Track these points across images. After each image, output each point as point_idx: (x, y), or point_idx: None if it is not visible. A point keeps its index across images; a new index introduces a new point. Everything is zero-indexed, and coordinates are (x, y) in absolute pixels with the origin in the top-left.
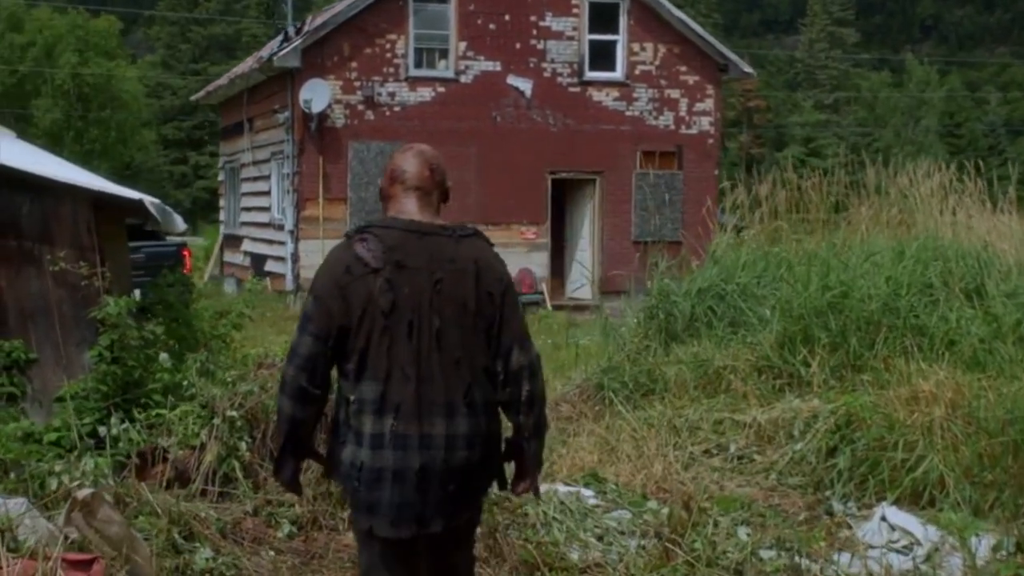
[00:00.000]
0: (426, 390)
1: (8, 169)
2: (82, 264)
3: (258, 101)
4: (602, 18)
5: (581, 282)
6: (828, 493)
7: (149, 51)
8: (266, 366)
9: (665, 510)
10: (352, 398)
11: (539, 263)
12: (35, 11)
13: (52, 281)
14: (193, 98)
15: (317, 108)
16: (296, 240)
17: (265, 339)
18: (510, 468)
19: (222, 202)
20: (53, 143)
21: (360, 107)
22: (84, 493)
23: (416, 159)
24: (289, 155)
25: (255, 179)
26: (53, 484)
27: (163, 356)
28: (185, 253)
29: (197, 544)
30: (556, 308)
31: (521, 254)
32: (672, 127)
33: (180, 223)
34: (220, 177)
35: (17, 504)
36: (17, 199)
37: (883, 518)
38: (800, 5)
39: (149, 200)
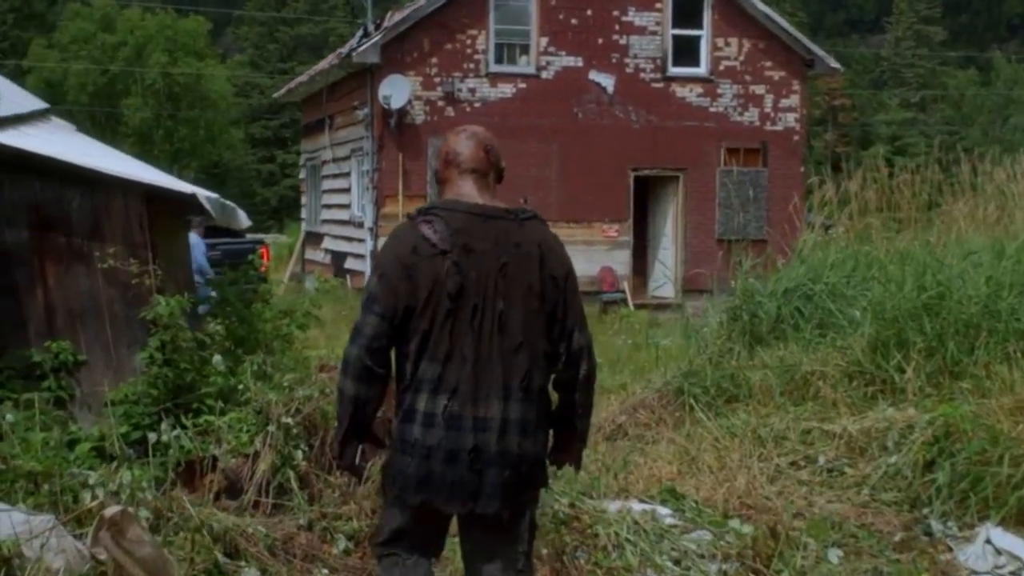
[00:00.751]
0: (484, 373)
1: (56, 162)
2: (132, 261)
3: (338, 98)
4: (686, 13)
5: (663, 281)
6: (926, 511)
7: (238, 51)
8: (327, 369)
9: (748, 529)
10: (409, 377)
11: (621, 261)
12: (126, 12)
13: (103, 279)
14: (276, 95)
15: (396, 104)
16: (375, 237)
17: (341, 338)
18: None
19: (304, 199)
20: (143, 142)
21: (440, 103)
22: (113, 511)
23: (470, 141)
24: (368, 152)
25: (335, 176)
26: (87, 498)
27: (216, 359)
28: (263, 251)
29: (242, 563)
30: (638, 307)
31: (603, 252)
32: (757, 123)
33: (243, 219)
34: (301, 175)
35: (43, 521)
36: (67, 193)
37: (988, 540)
38: (885, 4)
39: (203, 194)
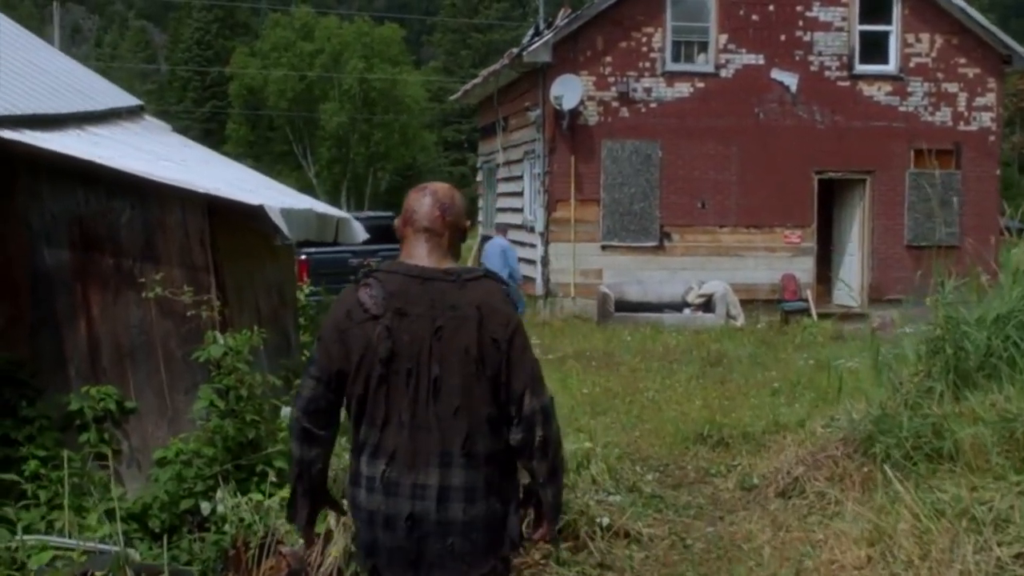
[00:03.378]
0: (421, 438)
1: (100, 167)
2: (187, 288)
3: (511, 99)
4: (873, 7)
5: (849, 289)
6: None
7: (431, 57)
8: None
9: None
10: (354, 441)
11: (803, 269)
12: (324, 20)
13: (156, 310)
14: (452, 98)
15: (569, 105)
16: (546, 243)
17: None
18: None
19: (480, 202)
20: (339, 145)
21: (614, 104)
22: None
23: (428, 199)
24: (540, 154)
25: (508, 179)
26: None
27: (285, 411)
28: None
29: None
30: (822, 316)
31: (784, 259)
32: (949, 123)
33: (358, 232)
34: (478, 177)
35: None
36: (115, 205)
37: None
38: None
39: (274, 207)
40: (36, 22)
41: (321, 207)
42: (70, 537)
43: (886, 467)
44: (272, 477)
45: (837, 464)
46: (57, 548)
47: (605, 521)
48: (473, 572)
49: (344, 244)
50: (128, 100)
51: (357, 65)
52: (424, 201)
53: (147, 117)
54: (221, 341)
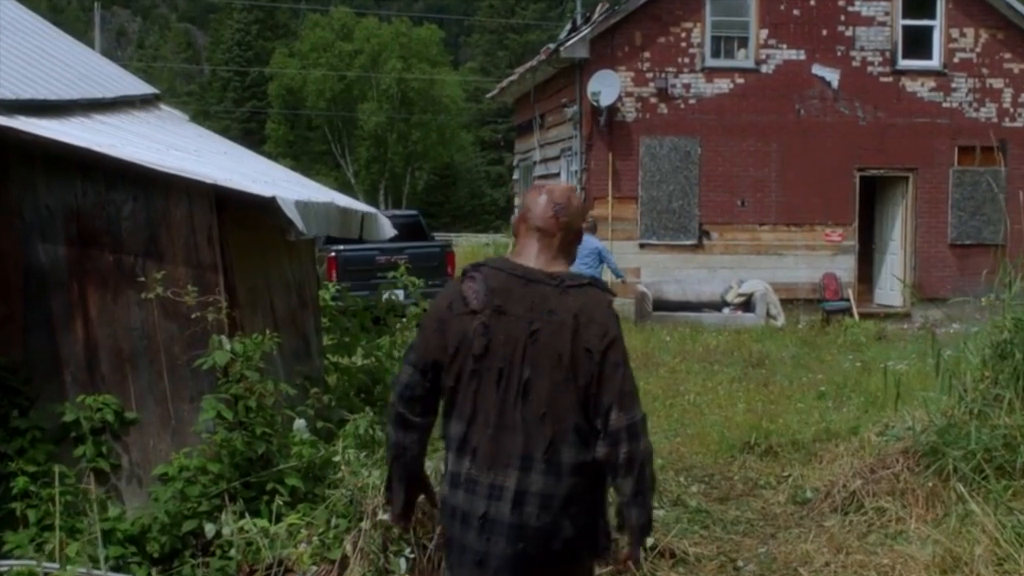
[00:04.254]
0: (505, 439)
1: (98, 156)
2: (191, 289)
3: (547, 96)
4: (917, 1)
5: (891, 288)
6: None
7: (469, 58)
8: None
9: None
10: (443, 434)
11: (845, 267)
12: (363, 21)
13: (160, 311)
14: (488, 96)
15: (606, 101)
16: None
17: None
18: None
19: (516, 201)
20: (377, 145)
21: (652, 100)
22: None
23: (544, 198)
24: (577, 151)
25: (545, 177)
26: None
27: (299, 423)
28: (448, 256)
29: None
30: (864, 316)
31: (825, 257)
32: (994, 119)
33: (386, 229)
34: (515, 175)
35: None
36: (115, 197)
37: None
38: None
39: (288, 199)
40: (83, 25)
41: (344, 200)
42: (61, 563)
43: (959, 485)
44: (284, 496)
45: (898, 478)
46: (47, 574)
47: (649, 541)
48: None
49: (371, 241)
50: (143, 88)
51: (395, 65)
52: (539, 200)
53: (163, 107)
54: (228, 346)
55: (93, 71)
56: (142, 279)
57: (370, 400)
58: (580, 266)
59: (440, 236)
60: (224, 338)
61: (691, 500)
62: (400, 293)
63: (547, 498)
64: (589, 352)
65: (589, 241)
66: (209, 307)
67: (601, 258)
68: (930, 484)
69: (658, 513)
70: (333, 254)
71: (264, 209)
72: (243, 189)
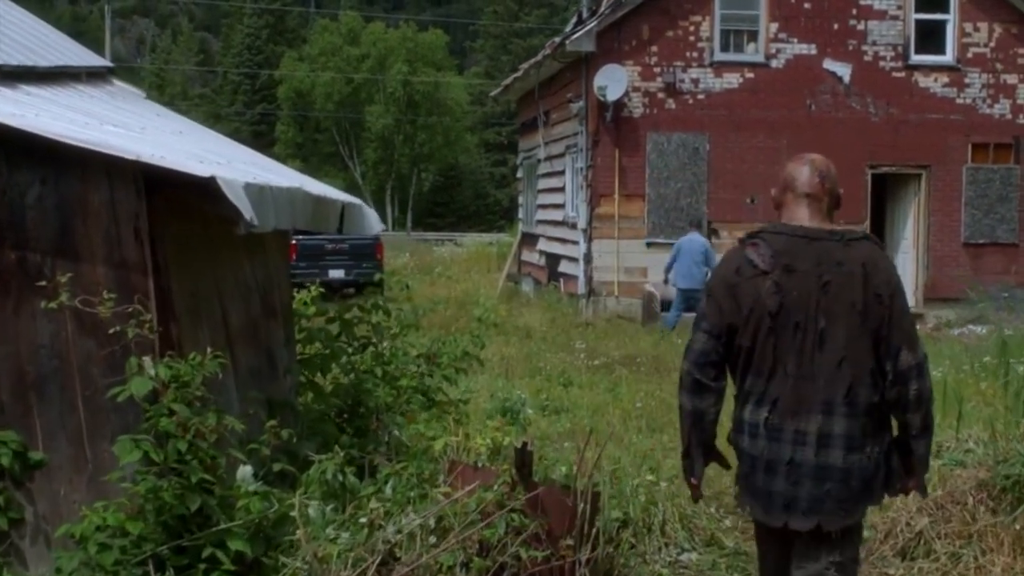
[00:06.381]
0: (805, 387)
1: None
2: (108, 296)
3: (553, 92)
4: None
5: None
6: None
7: (474, 62)
8: (460, 471)
9: None
10: (738, 391)
11: None
12: (371, 26)
13: (74, 324)
14: (493, 93)
15: (613, 96)
16: (589, 240)
17: (546, 358)
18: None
19: (520, 199)
20: (384, 146)
21: (660, 95)
22: None
23: (807, 167)
24: (583, 148)
25: (549, 175)
26: None
27: (243, 471)
28: (378, 246)
29: None
30: None
31: None
32: (1008, 116)
33: (372, 223)
34: (518, 174)
35: None
36: (19, 180)
37: None
38: None
39: (234, 181)
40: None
41: (319, 188)
42: None
43: None
44: (226, 564)
45: (973, 517)
46: None
47: None
48: (846, 518)
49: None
50: (92, 60)
51: (402, 69)
52: (803, 170)
53: (117, 82)
54: (151, 371)
55: (32, 39)
56: (51, 283)
57: (354, 426)
58: (690, 264)
59: (445, 236)
60: (147, 360)
61: (726, 538)
62: (341, 272)
63: (849, 439)
64: (879, 297)
65: (698, 240)
66: (131, 319)
67: (706, 258)
68: (1017, 527)
69: (691, 556)
70: (295, 241)
71: (203, 194)
72: (174, 168)
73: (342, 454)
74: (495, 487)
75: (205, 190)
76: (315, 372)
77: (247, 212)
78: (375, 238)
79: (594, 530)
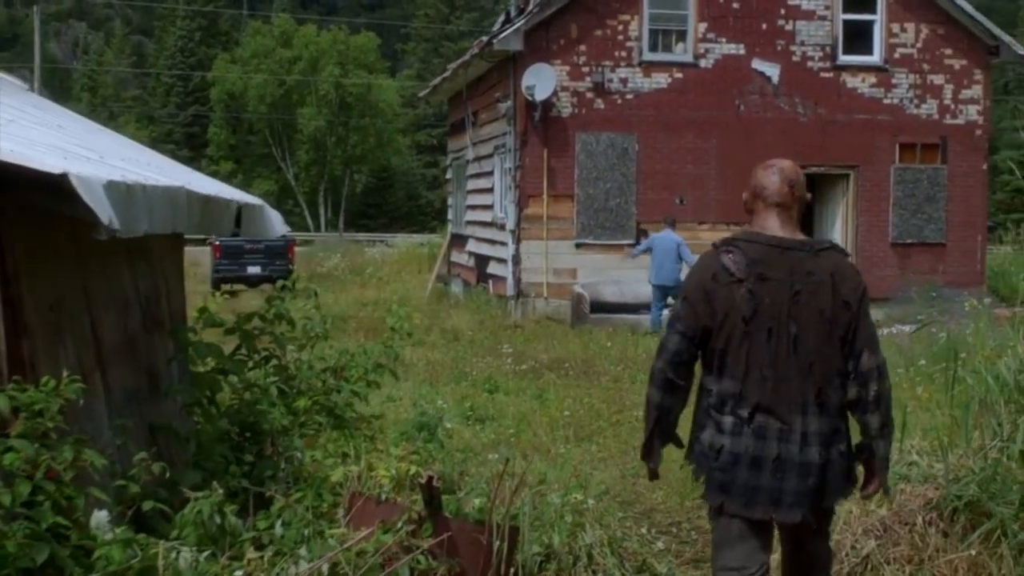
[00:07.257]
0: (784, 389)
1: None
2: None
3: (481, 92)
4: None
5: None
6: None
7: (405, 65)
8: (360, 504)
9: None
10: (713, 391)
11: None
12: (302, 29)
13: None
14: (421, 94)
15: (541, 96)
16: (518, 241)
17: (473, 362)
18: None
19: (450, 200)
20: (317, 148)
21: (589, 95)
22: None
23: (776, 176)
24: (511, 148)
25: (478, 175)
26: None
27: (98, 516)
28: (290, 246)
29: None
30: None
31: None
32: (935, 116)
33: (275, 225)
34: (448, 175)
35: None
36: None
37: None
38: None
39: (92, 179)
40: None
41: (213, 187)
42: None
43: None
44: None
45: (923, 540)
46: None
47: None
48: (822, 507)
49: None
50: None
51: (334, 71)
52: (773, 178)
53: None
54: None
55: None
56: None
57: (252, 451)
58: (663, 260)
59: (377, 237)
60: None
61: (659, 564)
62: (258, 268)
63: (822, 436)
64: (847, 304)
65: (671, 237)
66: None
67: (680, 255)
68: (972, 552)
69: None
70: (218, 242)
71: (55, 193)
72: (18, 162)
73: (221, 491)
74: (399, 525)
75: (58, 189)
76: (203, 391)
77: (104, 214)
78: (287, 239)
79: (512, 570)
